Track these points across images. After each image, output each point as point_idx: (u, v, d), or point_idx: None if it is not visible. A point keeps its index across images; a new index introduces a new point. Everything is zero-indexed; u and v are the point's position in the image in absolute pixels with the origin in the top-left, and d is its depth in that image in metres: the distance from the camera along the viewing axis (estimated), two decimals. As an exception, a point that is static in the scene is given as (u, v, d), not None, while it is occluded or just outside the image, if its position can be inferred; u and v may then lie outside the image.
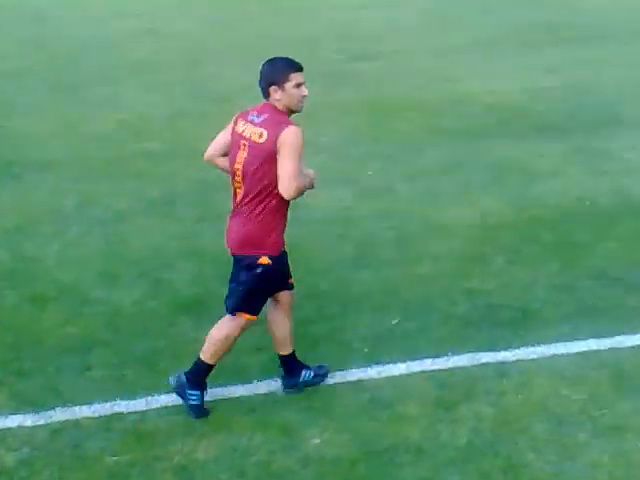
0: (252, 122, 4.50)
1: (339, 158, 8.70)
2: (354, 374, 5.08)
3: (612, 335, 5.39)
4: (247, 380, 5.03)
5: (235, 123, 4.61)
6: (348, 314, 5.74)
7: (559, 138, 9.03)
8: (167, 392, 4.85)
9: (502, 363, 5.16)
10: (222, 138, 4.71)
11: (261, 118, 4.48)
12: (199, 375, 4.72)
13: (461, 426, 4.58)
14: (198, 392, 4.71)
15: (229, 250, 4.67)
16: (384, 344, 5.33)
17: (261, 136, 4.43)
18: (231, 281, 4.71)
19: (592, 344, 5.31)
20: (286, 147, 4.35)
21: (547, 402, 4.78)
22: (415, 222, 7.19)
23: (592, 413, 4.68)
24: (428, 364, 5.15)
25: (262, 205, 4.47)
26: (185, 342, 5.34)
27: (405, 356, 5.22)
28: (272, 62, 4.54)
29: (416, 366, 5.15)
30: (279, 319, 4.87)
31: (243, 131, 4.52)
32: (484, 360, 5.19)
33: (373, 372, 5.10)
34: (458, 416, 4.68)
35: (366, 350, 5.32)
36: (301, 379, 4.94)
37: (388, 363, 5.17)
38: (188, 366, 4.75)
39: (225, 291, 4.72)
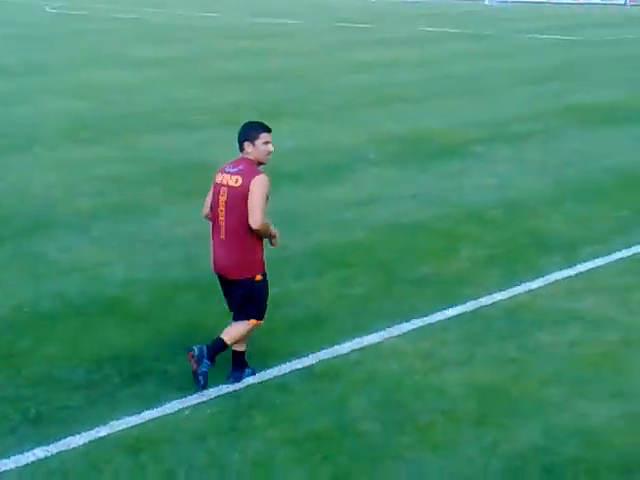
0: (229, 172, 5.87)
1: None
2: None
3: (59, 439, 5.39)
4: None
5: (215, 178, 5.94)
6: None
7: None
8: None
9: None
10: (209, 197, 6.02)
11: (236, 168, 5.86)
12: (216, 352, 5.92)
13: None
14: (210, 363, 5.90)
15: (221, 274, 6.00)
16: None
17: (237, 182, 5.80)
18: (230, 297, 6.06)
19: (39, 453, 5.26)
20: (255, 189, 5.74)
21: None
22: None
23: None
24: None
25: (243, 237, 5.80)
26: None
27: None
28: (249, 123, 6.01)
29: None
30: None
31: (222, 181, 5.88)
32: None
33: None
34: None
35: None
36: (244, 375, 6.09)
37: None
38: None
39: None
